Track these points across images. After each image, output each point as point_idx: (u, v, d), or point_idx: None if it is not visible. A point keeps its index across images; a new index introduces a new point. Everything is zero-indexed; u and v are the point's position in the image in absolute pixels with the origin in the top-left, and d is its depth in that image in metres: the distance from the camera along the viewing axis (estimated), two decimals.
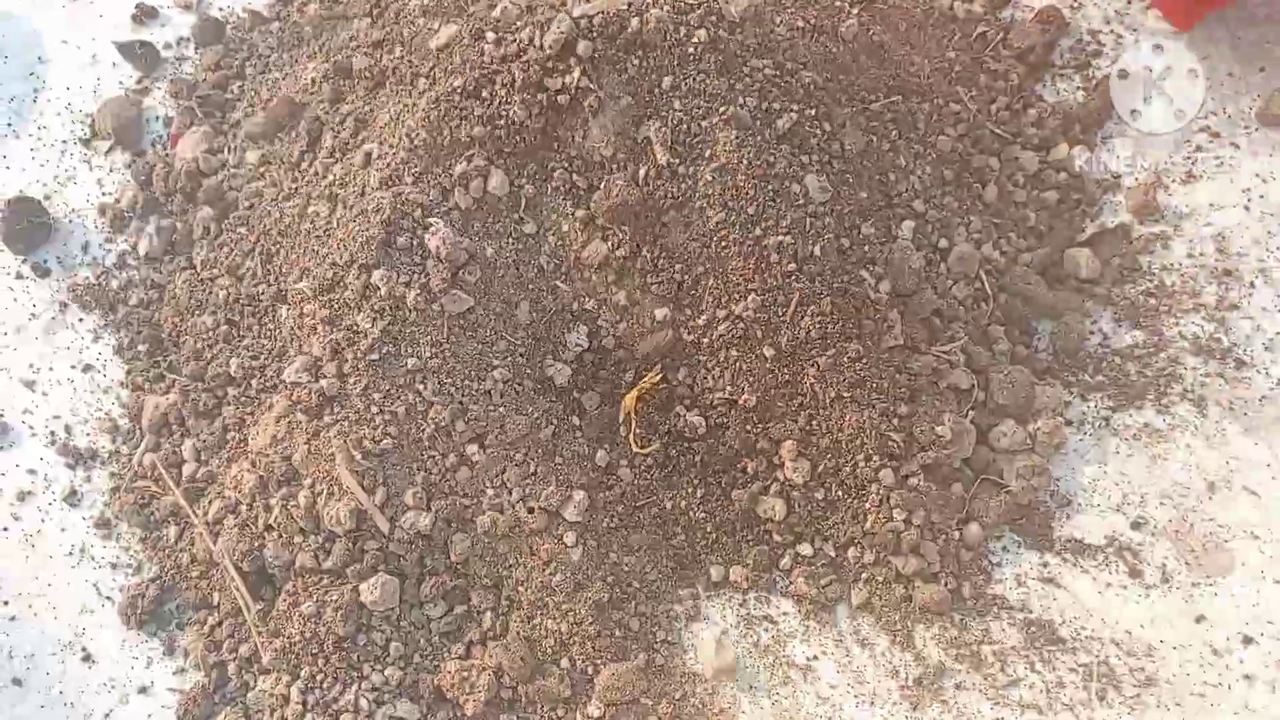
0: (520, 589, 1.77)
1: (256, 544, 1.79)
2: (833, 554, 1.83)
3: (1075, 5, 2.23)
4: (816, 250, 1.80)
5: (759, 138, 1.80)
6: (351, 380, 1.78)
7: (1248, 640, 1.74)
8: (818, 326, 1.78)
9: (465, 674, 1.72)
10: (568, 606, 1.75)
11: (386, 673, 1.73)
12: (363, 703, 1.72)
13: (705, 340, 1.82)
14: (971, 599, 1.79)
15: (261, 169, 2.08)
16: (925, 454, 1.81)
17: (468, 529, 1.76)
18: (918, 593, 1.78)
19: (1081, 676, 1.74)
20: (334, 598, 1.74)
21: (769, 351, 1.79)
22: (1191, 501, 1.84)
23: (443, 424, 1.77)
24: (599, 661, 1.75)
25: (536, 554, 1.77)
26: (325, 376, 1.79)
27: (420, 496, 1.74)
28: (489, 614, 1.77)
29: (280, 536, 1.78)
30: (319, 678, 1.75)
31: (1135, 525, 1.83)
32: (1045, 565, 1.82)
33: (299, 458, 1.77)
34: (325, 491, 1.76)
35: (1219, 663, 1.73)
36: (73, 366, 2.05)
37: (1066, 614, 1.78)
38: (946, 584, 1.78)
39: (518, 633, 1.76)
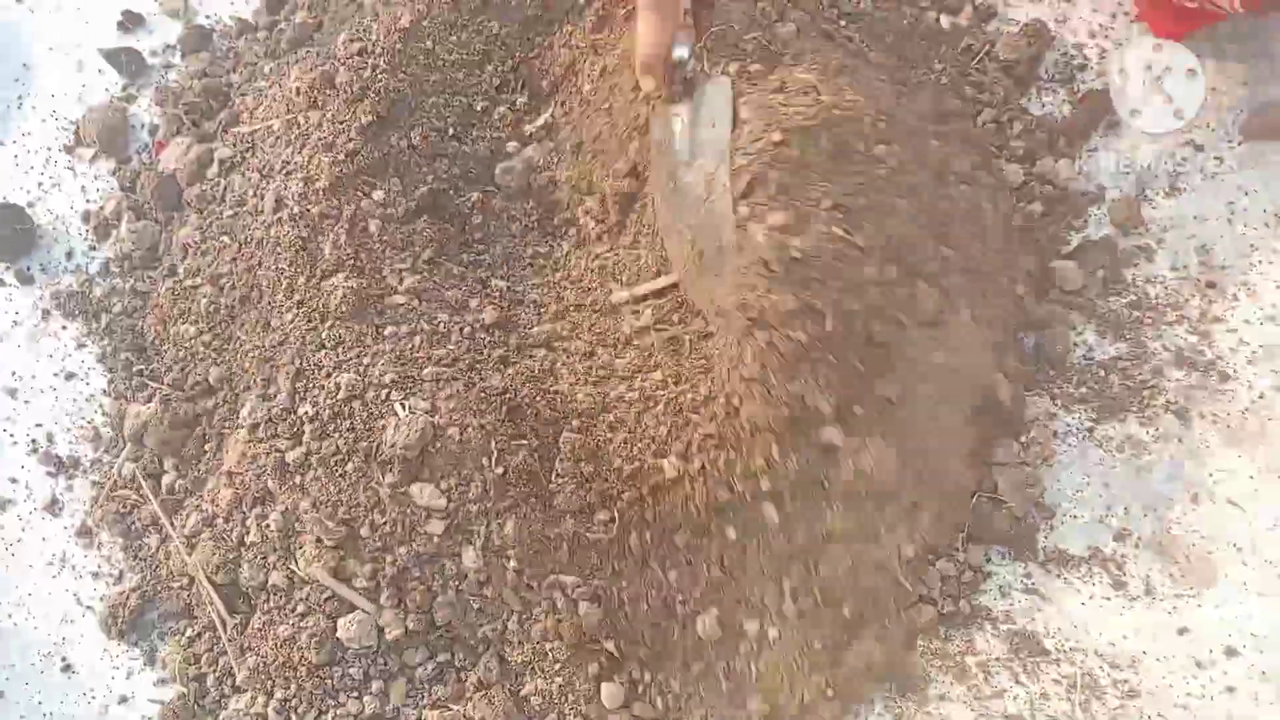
0: (509, 649, 1.74)
1: (231, 558, 1.78)
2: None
3: (1061, 19, 2.24)
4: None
5: None
6: (309, 477, 1.75)
7: (1231, 652, 1.75)
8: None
9: None
10: (566, 673, 1.72)
11: (364, 701, 1.72)
12: None
13: None
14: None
15: (243, 179, 2.08)
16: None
17: (451, 594, 1.74)
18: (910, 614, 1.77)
19: (1065, 688, 1.74)
20: (310, 624, 1.72)
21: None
22: (1175, 513, 1.84)
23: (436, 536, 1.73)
24: (592, 718, 1.71)
25: (533, 620, 1.74)
26: (278, 449, 1.77)
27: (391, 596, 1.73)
28: (475, 670, 1.74)
29: (255, 556, 1.77)
30: (293, 702, 1.74)
31: (1118, 537, 1.84)
32: (1029, 576, 1.82)
33: (272, 483, 1.76)
34: (296, 545, 1.75)
35: (1202, 674, 1.74)
36: (55, 374, 2.04)
37: (1050, 625, 1.79)
38: (944, 607, 1.77)
39: (503, 684, 1.73)
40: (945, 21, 2.20)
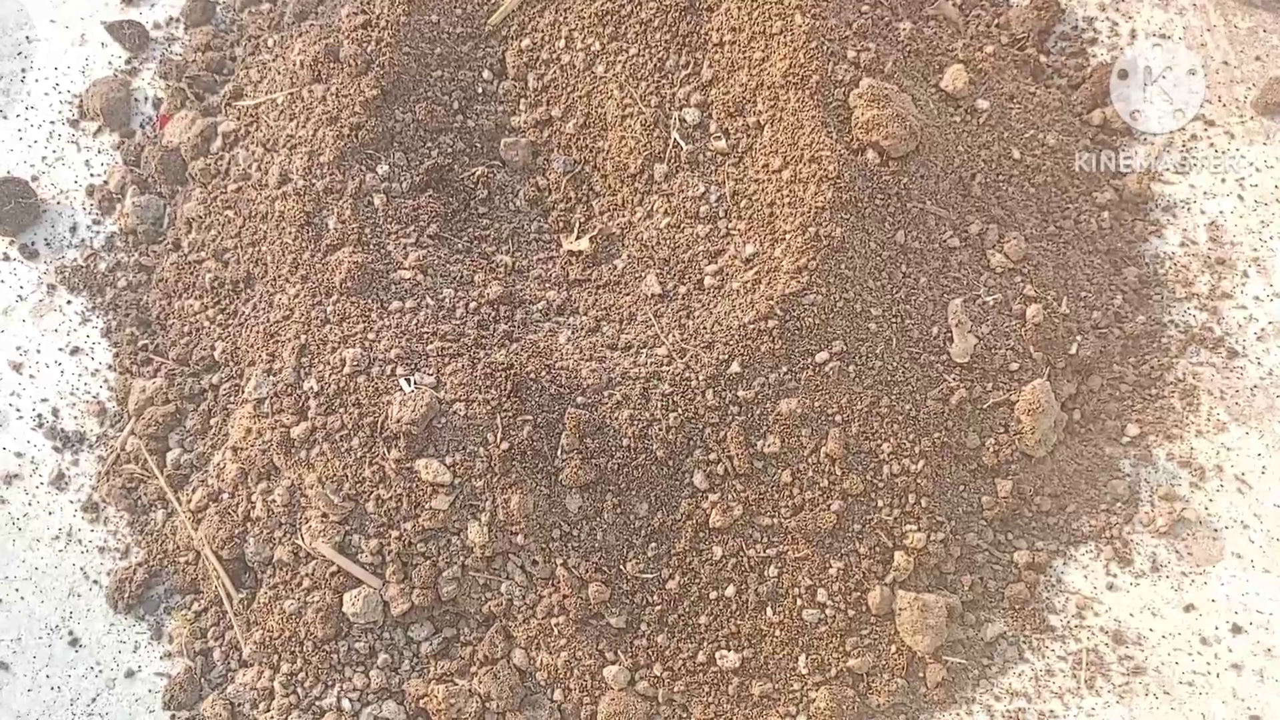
0: (515, 624, 1.73)
1: (238, 532, 1.78)
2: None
3: None
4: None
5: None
6: (315, 452, 1.75)
7: (1236, 629, 1.75)
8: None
9: (452, 699, 1.69)
10: (570, 646, 1.72)
11: (370, 675, 1.73)
12: (345, 704, 1.72)
13: None
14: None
15: (247, 153, 2.07)
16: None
17: (456, 569, 1.73)
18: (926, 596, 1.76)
19: (1071, 665, 1.74)
20: (315, 599, 1.73)
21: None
22: (1182, 490, 1.84)
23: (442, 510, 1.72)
24: (597, 693, 1.72)
25: (539, 595, 1.73)
26: (283, 424, 1.77)
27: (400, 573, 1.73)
28: (481, 645, 1.74)
29: (261, 531, 1.77)
30: (300, 675, 1.74)
31: (1126, 515, 1.83)
32: (1036, 554, 1.81)
33: (277, 458, 1.76)
34: (301, 520, 1.75)
35: (1208, 651, 1.74)
36: (60, 349, 2.04)
37: (1056, 602, 1.79)
38: (956, 590, 1.77)
39: (509, 659, 1.73)
40: None
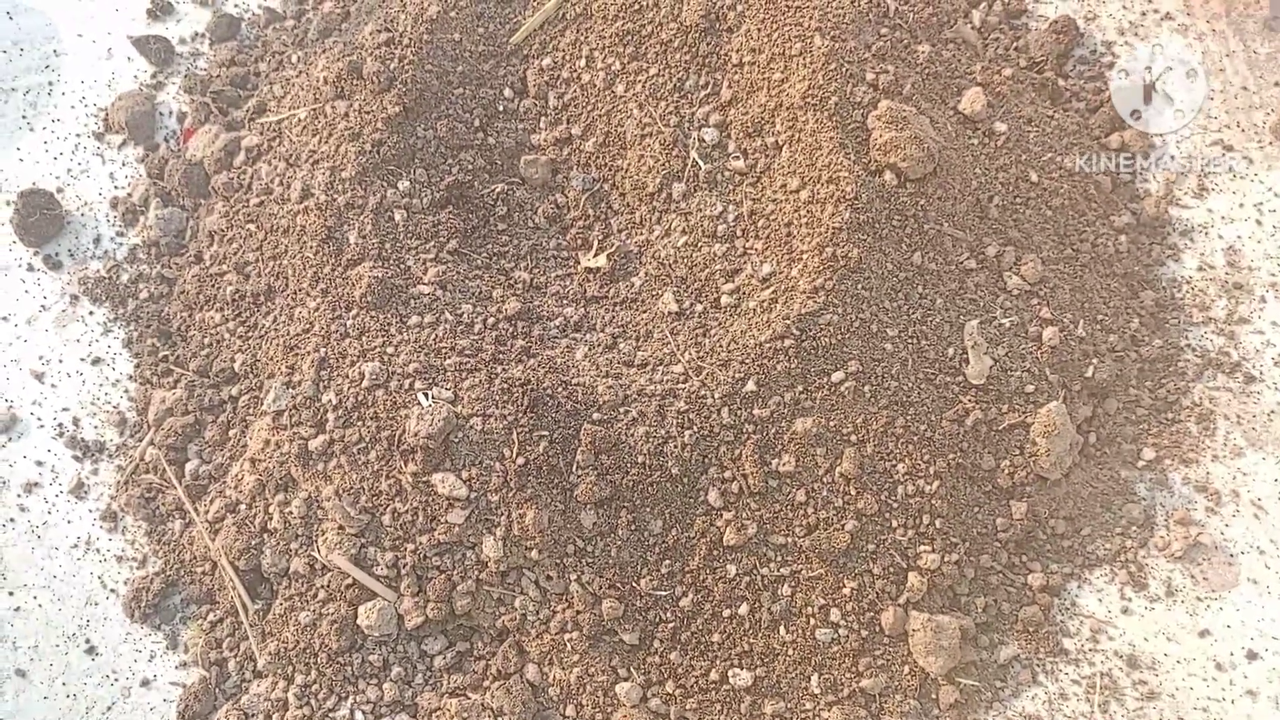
0: (528, 639, 1.74)
1: (254, 543, 1.79)
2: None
3: (1090, 16, 2.23)
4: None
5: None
6: (332, 465, 1.77)
7: (1252, 655, 1.74)
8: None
9: (465, 713, 1.69)
10: (583, 662, 1.72)
11: (384, 688, 1.73)
12: (358, 716, 1.72)
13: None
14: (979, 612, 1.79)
15: (269, 167, 2.09)
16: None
17: (471, 583, 1.74)
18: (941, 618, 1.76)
19: (1084, 688, 1.73)
20: (330, 611, 1.74)
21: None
22: (1198, 515, 1.83)
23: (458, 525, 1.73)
24: (610, 710, 1.72)
25: (552, 610, 1.74)
26: (302, 436, 1.78)
27: (415, 586, 1.74)
28: (494, 659, 1.75)
29: (278, 542, 1.78)
30: (313, 687, 1.75)
31: (1141, 539, 1.83)
32: (1050, 576, 1.81)
33: (295, 470, 1.77)
34: (318, 532, 1.76)
35: (1222, 677, 1.73)
36: (82, 359, 2.06)
37: (1070, 626, 1.78)
38: (970, 612, 1.77)
39: (521, 674, 1.74)
40: (976, 17, 2.18)
